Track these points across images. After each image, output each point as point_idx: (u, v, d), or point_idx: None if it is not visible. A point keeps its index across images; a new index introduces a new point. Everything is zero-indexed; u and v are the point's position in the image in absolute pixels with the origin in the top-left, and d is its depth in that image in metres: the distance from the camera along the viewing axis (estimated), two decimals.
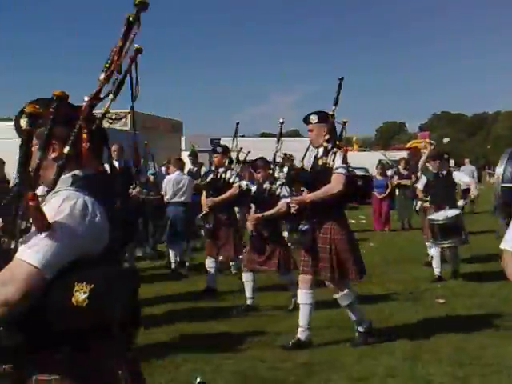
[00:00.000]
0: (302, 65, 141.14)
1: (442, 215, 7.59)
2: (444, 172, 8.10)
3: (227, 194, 7.09)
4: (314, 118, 5.04)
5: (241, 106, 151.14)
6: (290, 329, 5.62)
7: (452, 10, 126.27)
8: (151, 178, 10.06)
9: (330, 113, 5.00)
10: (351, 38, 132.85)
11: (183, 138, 24.75)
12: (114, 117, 2.25)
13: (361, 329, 5.13)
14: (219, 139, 25.15)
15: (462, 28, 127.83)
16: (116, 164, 8.90)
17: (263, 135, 54.41)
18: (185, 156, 16.83)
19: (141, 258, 9.92)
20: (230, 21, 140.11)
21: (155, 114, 21.84)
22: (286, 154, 11.68)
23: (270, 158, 12.14)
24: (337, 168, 4.87)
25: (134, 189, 8.89)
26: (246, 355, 4.89)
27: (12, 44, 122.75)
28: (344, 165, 4.90)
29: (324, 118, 5.01)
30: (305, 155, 5.20)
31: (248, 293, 6.55)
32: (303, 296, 5.08)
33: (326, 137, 4.92)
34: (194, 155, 12.22)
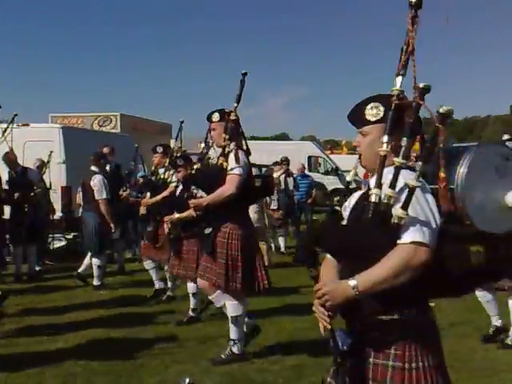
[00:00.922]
0: (292, 66, 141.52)
1: None
2: None
3: (161, 195, 6.86)
4: (215, 117, 4.85)
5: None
6: (278, 332, 5.66)
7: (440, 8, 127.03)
8: (141, 180, 10.05)
9: (232, 110, 4.72)
10: (342, 41, 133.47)
11: (172, 141, 24.78)
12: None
13: (234, 349, 4.75)
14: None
15: (452, 27, 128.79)
16: (106, 167, 8.94)
17: (253, 138, 54.46)
18: None
19: (130, 259, 9.92)
20: (220, 21, 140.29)
21: (144, 117, 21.87)
22: (282, 158, 11.83)
23: (260, 160, 12.11)
24: (231, 169, 4.61)
25: (124, 191, 8.89)
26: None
27: None
28: (238, 165, 4.60)
29: (224, 116, 4.79)
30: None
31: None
32: (229, 308, 4.76)
33: (226, 136, 4.67)
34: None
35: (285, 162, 11.71)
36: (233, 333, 4.75)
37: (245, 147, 4.81)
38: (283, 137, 73.09)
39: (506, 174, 4.62)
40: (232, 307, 4.73)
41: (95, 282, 7.81)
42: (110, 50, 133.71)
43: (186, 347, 5.18)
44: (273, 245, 10.93)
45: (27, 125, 11.07)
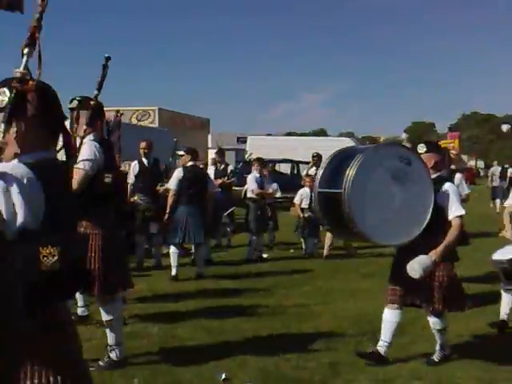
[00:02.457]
0: (332, 63, 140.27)
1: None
2: None
3: None
4: (74, 104, 4.41)
5: (269, 104, 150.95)
6: (315, 328, 5.63)
7: (485, 6, 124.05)
8: None
9: (93, 98, 4.38)
10: (380, 36, 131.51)
11: (210, 136, 24.88)
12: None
13: (112, 355, 4.50)
14: (245, 137, 25.24)
15: (493, 26, 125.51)
16: (144, 161, 9.03)
17: (289, 134, 54.35)
18: (211, 153, 16.94)
19: (167, 254, 9.99)
20: (260, 17, 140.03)
21: (183, 112, 22.02)
22: (314, 154, 11.61)
23: (295, 157, 11.98)
24: (78, 162, 4.21)
25: (161, 186, 8.98)
26: (270, 353, 4.90)
27: None
28: (86, 159, 4.24)
29: (86, 103, 4.38)
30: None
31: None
32: (101, 312, 4.59)
33: (84, 126, 4.34)
34: (220, 153, 12.25)
35: (316, 157, 11.32)
36: (109, 338, 4.54)
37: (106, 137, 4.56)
38: (321, 133, 72.74)
39: (404, 179, 4.33)
40: (103, 311, 4.55)
41: (173, 272, 8.08)
42: (151, 44, 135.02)
43: (222, 342, 5.20)
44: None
45: (66, 118, 11.26)
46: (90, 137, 4.38)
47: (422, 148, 4.65)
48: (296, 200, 10.18)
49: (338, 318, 6.03)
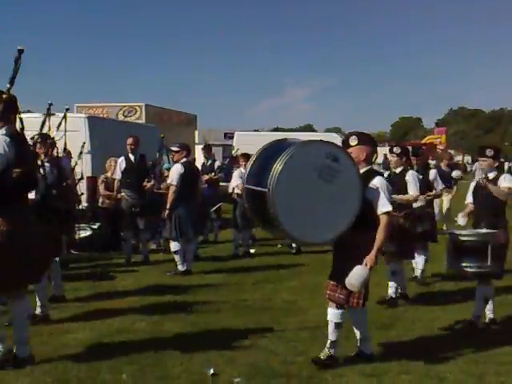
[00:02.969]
0: (319, 58, 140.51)
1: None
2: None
3: None
4: None
5: (255, 99, 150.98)
6: (303, 323, 5.63)
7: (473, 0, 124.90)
8: (166, 172, 10.09)
9: (5, 91, 4.27)
10: (367, 31, 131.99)
11: (197, 132, 24.80)
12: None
13: (18, 352, 4.41)
14: (233, 133, 25.21)
15: (481, 20, 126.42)
16: (131, 157, 8.98)
17: (276, 130, 54.37)
18: (198, 150, 16.88)
19: (155, 250, 9.97)
20: (245, 9, 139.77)
21: (169, 108, 21.92)
22: None
23: None
24: None
25: (148, 182, 8.94)
26: (259, 348, 4.89)
27: None
28: None
29: None
30: None
31: None
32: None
33: None
34: (207, 149, 12.22)
35: None
36: (14, 336, 4.46)
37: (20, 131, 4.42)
38: (308, 128, 72.85)
39: (331, 176, 4.28)
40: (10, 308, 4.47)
41: (180, 268, 8.05)
42: (138, 40, 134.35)
43: (211, 337, 5.18)
44: None
45: (53, 114, 11.15)
46: (2, 131, 4.29)
47: (353, 140, 4.53)
48: None
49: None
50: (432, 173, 7.60)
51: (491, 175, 5.64)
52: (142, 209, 8.87)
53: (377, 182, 4.43)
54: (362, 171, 4.42)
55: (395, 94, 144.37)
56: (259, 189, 4.17)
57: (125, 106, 18.94)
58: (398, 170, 6.68)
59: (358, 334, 4.64)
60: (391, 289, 6.46)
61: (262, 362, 4.56)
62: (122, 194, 9.01)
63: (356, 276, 4.25)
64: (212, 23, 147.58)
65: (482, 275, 5.38)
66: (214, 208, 10.98)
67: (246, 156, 10.41)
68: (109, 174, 9.70)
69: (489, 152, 5.62)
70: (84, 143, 9.49)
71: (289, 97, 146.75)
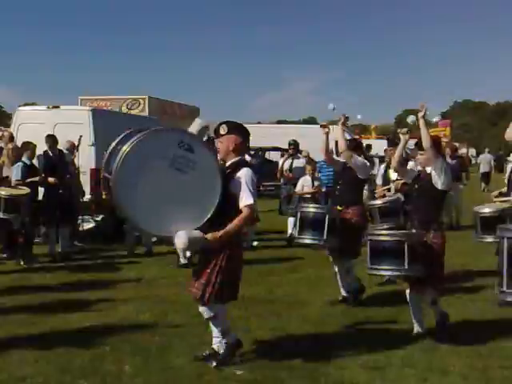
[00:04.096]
0: (322, 50, 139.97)
1: None
2: None
3: None
4: None
5: (258, 92, 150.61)
6: (305, 316, 5.64)
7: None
8: None
9: None
10: (371, 23, 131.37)
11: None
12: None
13: None
14: None
15: (486, 13, 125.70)
16: None
17: (279, 122, 54.30)
18: None
19: (158, 242, 9.98)
20: (247, 5, 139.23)
21: (172, 100, 21.91)
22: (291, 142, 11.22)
23: (285, 145, 11.79)
24: None
25: None
26: (261, 341, 4.90)
27: None
28: None
29: None
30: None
31: None
32: None
33: None
34: (210, 141, 12.19)
35: (292, 146, 10.98)
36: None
37: None
38: (311, 121, 72.65)
39: (185, 166, 3.94)
40: None
41: (182, 261, 8.05)
42: (141, 34, 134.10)
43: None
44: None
45: (58, 107, 11.16)
46: None
47: (223, 129, 4.33)
48: (297, 189, 10.03)
49: (328, 305, 6.05)
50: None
51: (429, 169, 5.08)
52: None
53: (241, 173, 4.19)
54: (230, 162, 4.26)
55: (399, 87, 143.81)
56: (107, 175, 4.03)
57: (128, 99, 18.95)
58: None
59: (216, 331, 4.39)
60: (343, 289, 6.19)
61: (264, 354, 4.57)
62: None
63: (189, 233, 3.98)
64: (215, 15, 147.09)
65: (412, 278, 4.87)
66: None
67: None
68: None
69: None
70: (81, 136, 9.51)
71: (292, 89, 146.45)
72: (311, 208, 5.95)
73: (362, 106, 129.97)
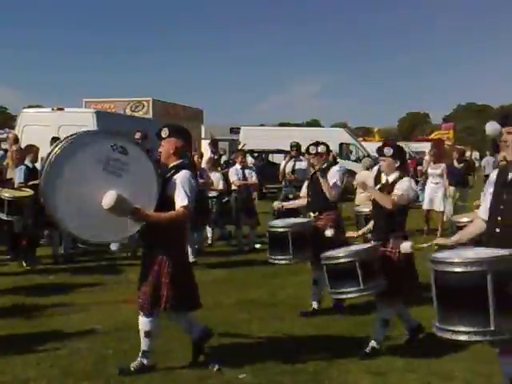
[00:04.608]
0: (325, 53, 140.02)
1: None
2: None
3: None
4: None
5: (262, 95, 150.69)
6: (308, 319, 5.63)
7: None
8: None
9: None
10: (374, 25, 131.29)
11: (203, 127, 24.81)
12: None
13: None
14: (239, 128, 25.20)
15: (490, 15, 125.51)
16: None
17: (283, 125, 54.35)
18: (205, 144, 16.88)
19: None
20: (250, 8, 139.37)
21: (176, 102, 21.95)
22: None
23: (289, 147, 11.75)
24: None
25: None
26: (264, 344, 4.90)
27: None
28: None
29: None
30: None
31: None
32: None
33: None
34: (213, 144, 12.22)
35: (295, 148, 10.80)
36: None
37: None
38: (315, 123, 72.72)
39: (119, 169, 3.82)
40: None
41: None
42: (144, 36, 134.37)
43: (216, 333, 5.18)
44: None
45: (62, 109, 11.20)
46: None
47: (164, 132, 4.27)
48: (302, 193, 9.99)
49: (332, 308, 6.03)
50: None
51: (392, 177, 4.82)
52: None
53: (178, 175, 4.14)
54: (171, 165, 4.22)
55: (402, 90, 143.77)
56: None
57: (132, 101, 19.00)
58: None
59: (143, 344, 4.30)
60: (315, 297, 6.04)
61: (267, 357, 4.56)
62: None
63: (116, 194, 3.82)
64: (219, 18, 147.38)
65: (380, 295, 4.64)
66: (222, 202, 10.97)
67: (243, 152, 10.43)
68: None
69: (387, 151, 4.86)
70: None
71: (295, 92, 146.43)
72: (274, 227, 5.76)
73: (365, 108, 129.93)
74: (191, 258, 8.14)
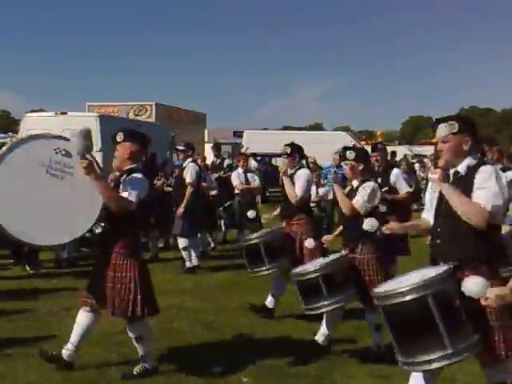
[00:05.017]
0: (327, 57, 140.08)
1: None
2: None
3: None
4: None
5: (264, 99, 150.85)
6: (311, 323, 5.62)
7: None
8: (176, 169, 10.10)
9: None
10: (377, 29, 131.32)
11: (206, 131, 24.85)
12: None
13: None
14: (242, 132, 25.25)
15: (493, 19, 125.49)
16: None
17: (285, 129, 54.40)
18: (208, 148, 16.91)
19: (164, 248, 9.98)
20: (254, 12, 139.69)
21: (179, 106, 21.99)
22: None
23: None
24: None
25: (158, 180, 8.96)
26: (267, 348, 4.89)
27: None
28: None
29: None
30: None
31: None
32: None
33: None
34: (216, 148, 12.23)
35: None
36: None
37: None
38: (317, 127, 72.76)
39: (63, 172, 3.81)
40: None
41: (188, 264, 8.10)
42: (146, 39, 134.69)
43: (218, 336, 5.19)
44: None
45: (65, 113, 11.22)
46: None
47: (119, 137, 4.28)
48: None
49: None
50: (395, 173, 6.80)
51: (355, 183, 4.71)
52: (152, 207, 8.89)
53: (128, 177, 4.14)
54: (125, 169, 4.22)
55: (405, 93, 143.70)
56: None
57: (135, 105, 19.05)
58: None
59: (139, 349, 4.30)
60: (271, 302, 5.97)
61: (270, 361, 4.56)
62: None
63: (86, 131, 3.87)
64: (222, 23, 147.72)
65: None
66: (223, 206, 10.98)
67: (245, 156, 10.44)
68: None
69: (349, 154, 4.71)
70: None
71: (298, 96, 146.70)
72: (247, 240, 5.93)
73: (367, 112, 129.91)
74: (195, 262, 8.16)
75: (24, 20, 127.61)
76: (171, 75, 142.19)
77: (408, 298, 2.82)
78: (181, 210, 8.08)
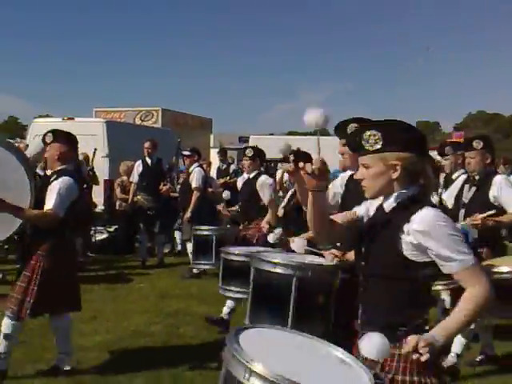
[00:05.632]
0: (333, 61, 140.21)
1: None
2: None
3: None
4: None
5: (270, 103, 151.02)
6: None
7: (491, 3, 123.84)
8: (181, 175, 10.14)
9: None
10: (382, 33, 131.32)
11: (212, 136, 24.89)
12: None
13: None
14: (248, 137, 25.27)
15: (502, 23, 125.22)
16: (148, 161, 9.05)
17: (291, 133, 54.43)
18: (213, 153, 16.95)
19: (170, 253, 10.00)
20: (259, 16, 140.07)
21: (185, 111, 22.05)
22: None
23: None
24: None
25: (164, 185, 8.99)
26: None
27: None
28: None
29: None
30: None
31: None
32: None
33: None
34: (222, 153, 12.26)
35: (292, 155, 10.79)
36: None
37: None
38: (323, 132, 72.71)
39: None
40: None
41: (195, 270, 8.02)
42: (151, 45, 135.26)
43: (222, 337, 5.18)
44: None
45: (72, 119, 11.28)
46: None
47: (48, 138, 4.23)
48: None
49: None
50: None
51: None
52: (158, 212, 8.92)
53: (57, 181, 4.06)
54: (56, 169, 4.18)
55: (412, 98, 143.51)
56: None
57: (142, 111, 19.11)
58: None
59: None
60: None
61: None
62: (138, 197, 9.08)
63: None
64: (227, 27, 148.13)
65: None
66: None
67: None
68: (125, 178, 9.77)
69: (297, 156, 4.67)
70: (95, 150, 9.53)
71: (303, 101, 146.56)
72: (199, 231, 6.02)
73: (373, 117, 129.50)
74: (197, 270, 8.13)
75: (32, 26, 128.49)
76: (177, 80, 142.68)
77: (278, 270, 3.05)
78: (188, 214, 8.09)
